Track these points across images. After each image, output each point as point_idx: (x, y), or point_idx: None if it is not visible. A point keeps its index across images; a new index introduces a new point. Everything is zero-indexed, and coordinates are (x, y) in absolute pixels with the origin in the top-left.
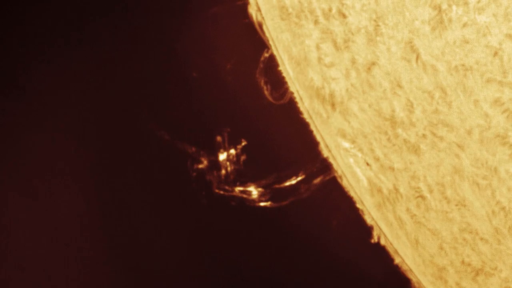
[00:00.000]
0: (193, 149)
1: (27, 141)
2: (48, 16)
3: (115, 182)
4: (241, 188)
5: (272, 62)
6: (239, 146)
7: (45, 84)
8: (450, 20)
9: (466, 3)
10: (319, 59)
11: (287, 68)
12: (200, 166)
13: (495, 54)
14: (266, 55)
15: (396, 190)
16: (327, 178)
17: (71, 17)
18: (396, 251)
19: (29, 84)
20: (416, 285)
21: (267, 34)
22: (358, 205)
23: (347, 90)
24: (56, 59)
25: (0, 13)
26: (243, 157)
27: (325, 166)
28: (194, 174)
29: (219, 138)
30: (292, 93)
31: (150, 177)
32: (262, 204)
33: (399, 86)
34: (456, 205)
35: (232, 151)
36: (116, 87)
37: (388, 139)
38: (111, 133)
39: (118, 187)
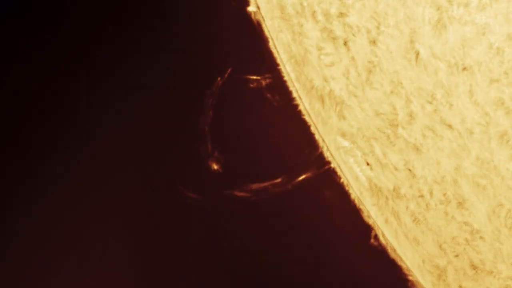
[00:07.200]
0: (193, 150)
1: None
2: None
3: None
4: (239, 189)
5: (271, 62)
6: (238, 147)
7: None
8: (451, 19)
9: (467, 2)
10: (319, 58)
11: (286, 68)
12: (199, 167)
13: (496, 53)
14: (265, 54)
15: (396, 189)
16: (327, 177)
17: None
18: (395, 251)
19: None
20: (416, 285)
21: (266, 33)
22: (358, 205)
23: (347, 89)
24: None
25: None
26: (241, 158)
27: (325, 166)
28: (195, 174)
29: (217, 139)
30: (292, 92)
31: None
32: (260, 204)
33: (400, 85)
34: (457, 204)
35: (231, 151)
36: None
37: (388, 139)
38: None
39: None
